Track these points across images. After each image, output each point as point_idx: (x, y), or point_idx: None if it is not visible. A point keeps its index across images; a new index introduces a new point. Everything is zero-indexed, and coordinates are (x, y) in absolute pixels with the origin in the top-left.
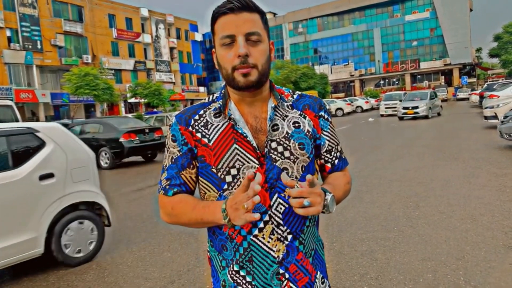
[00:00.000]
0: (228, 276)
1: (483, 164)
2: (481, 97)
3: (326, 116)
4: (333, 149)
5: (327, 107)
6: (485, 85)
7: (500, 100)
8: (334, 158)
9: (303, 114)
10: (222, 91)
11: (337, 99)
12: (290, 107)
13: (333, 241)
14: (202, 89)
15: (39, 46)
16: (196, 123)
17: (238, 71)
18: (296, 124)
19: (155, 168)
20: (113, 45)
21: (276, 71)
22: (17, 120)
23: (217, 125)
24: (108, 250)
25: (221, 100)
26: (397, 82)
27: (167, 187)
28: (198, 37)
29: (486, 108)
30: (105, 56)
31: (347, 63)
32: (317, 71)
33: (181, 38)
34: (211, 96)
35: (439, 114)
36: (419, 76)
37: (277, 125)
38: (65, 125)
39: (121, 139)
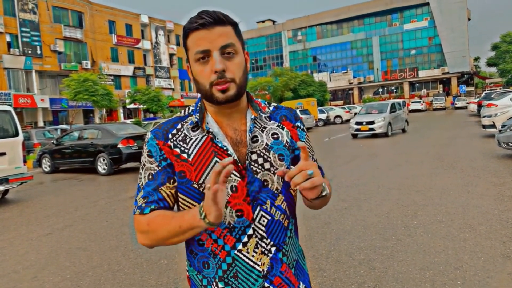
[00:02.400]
0: None
1: (481, 173)
2: (479, 106)
3: (302, 127)
4: (310, 159)
5: (325, 114)
6: (483, 94)
7: (498, 109)
8: None
9: (281, 125)
10: (198, 104)
11: (335, 107)
12: (267, 119)
13: (331, 250)
14: None
15: (38, 52)
16: (174, 138)
17: (216, 87)
18: (275, 136)
19: None
20: (113, 51)
21: (275, 78)
22: (15, 126)
23: (196, 139)
24: (104, 256)
25: (198, 114)
26: (395, 90)
27: (143, 205)
28: None
29: (484, 117)
30: (105, 62)
31: (346, 71)
32: (316, 79)
33: (180, 44)
34: (186, 109)
35: (403, 130)
36: (417, 85)
37: (256, 136)
38: (64, 131)
39: (120, 145)
